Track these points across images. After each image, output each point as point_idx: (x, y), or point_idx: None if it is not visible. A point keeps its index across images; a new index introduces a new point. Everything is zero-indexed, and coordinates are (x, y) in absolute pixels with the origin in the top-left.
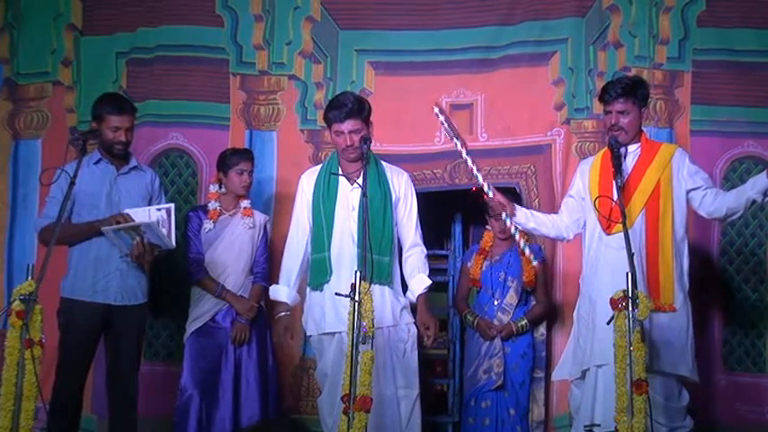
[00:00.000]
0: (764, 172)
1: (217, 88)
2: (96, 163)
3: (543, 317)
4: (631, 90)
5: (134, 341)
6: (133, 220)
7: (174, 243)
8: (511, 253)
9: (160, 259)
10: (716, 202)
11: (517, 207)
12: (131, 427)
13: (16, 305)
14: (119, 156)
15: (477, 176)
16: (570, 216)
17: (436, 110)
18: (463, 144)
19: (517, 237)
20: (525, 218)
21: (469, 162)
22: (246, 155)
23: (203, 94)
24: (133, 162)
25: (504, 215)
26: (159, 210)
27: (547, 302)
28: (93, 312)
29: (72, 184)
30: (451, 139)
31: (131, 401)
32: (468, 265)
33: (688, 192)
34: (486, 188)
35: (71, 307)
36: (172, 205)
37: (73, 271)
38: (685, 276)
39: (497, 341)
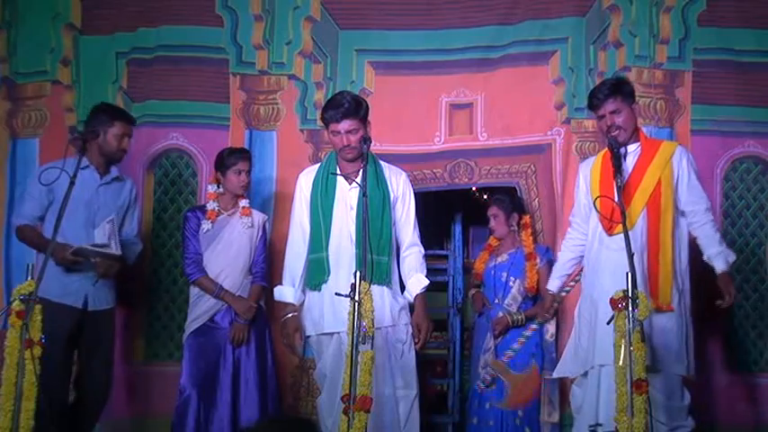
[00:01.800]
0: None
1: (217, 88)
2: (84, 169)
3: None
4: (616, 89)
5: (108, 344)
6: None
7: (118, 251)
8: (516, 254)
9: (162, 259)
10: (694, 230)
11: (549, 289)
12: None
13: (16, 305)
14: (113, 163)
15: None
16: (584, 226)
17: None
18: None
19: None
20: (560, 281)
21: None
22: (244, 154)
23: (203, 94)
24: (115, 172)
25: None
26: (108, 222)
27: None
28: (68, 314)
29: (72, 184)
30: None
31: (99, 404)
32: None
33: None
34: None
35: (44, 307)
36: (113, 216)
37: (45, 273)
38: (679, 276)
39: (489, 336)
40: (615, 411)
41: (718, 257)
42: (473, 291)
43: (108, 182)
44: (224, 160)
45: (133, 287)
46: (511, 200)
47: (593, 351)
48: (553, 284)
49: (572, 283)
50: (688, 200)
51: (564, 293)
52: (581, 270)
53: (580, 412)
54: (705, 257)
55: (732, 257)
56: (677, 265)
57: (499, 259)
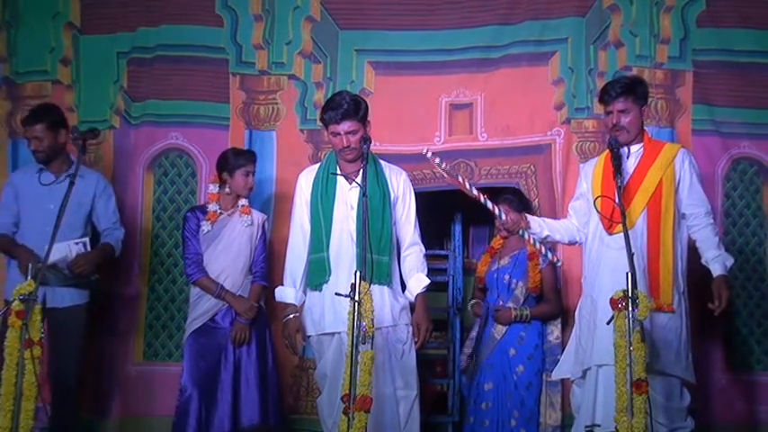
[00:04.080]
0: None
1: (216, 88)
2: (38, 172)
3: (549, 316)
4: (630, 89)
5: (72, 341)
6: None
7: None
8: (518, 255)
9: (161, 259)
10: (694, 233)
11: (529, 217)
12: (70, 417)
13: (16, 305)
14: (43, 162)
15: (486, 203)
16: (579, 219)
17: (429, 154)
18: (464, 180)
19: (537, 246)
20: (539, 227)
21: (474, 191)
22: (252, 156)
23: (203, 93)
24: (72, 169)
25: (521, 231)
26: (77, 244)
27: (556, 303)
28: None
29: (72, 183)
30: (452, 177)
31: (70, 394)
32: (476, 262)
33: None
34: (496, 212)
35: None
36: (86, 239)
37: (13, 273)
38: (680, 278)
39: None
40: (614, 411)
41: (716, 261)
42: (473, 301)
43: (62, 180)
44: (232, 161)
45: (132, 286)
46: (520, 200)
47: (592, 350)
48: (534, 218)
49: (542, 245)
50: (688, 203)
51: (528, 232)
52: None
53: (579, 412)
54: (703, 261)
55: (730, 261)
56: (678, 266)
57: (501, 262)
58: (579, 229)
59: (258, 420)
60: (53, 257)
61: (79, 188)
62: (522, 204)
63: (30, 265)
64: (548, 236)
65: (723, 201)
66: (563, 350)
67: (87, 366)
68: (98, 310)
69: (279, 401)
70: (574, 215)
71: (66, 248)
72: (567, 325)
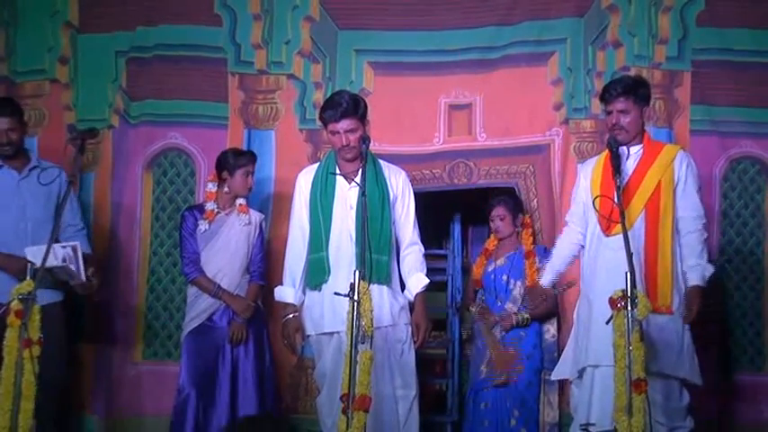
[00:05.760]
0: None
1: (215, 87)
2: None
3: (547, 315)
4: (632, 89)
5: (53, 340)
6: (33, 263)
7: (83, 278)
8: (515, 256)
9: (160, 259)
10: (681, 237)
11: (543, 280)
12: (50, 411)
13: (15, 305)
14: (10, 156)
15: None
16: (581, 225)
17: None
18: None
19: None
20: (552, 274)
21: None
22: (253, 156)
23: (202, 93)
24: (33, 162)
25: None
26: (64, 247)
27: (554, 301)
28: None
29: (70, 183)
30: None
31: (54, 391)
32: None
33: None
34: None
35: None
36: (77, 243)
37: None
38: (680, 279)
39: (497, 332)
40: (609, 410)
41: (695, 270)
42: (477, 306)
43: (27, 175)
44: (232, 160)
45: (131, 287)
46: (514, 201)
47: (587, 351)
48: (545, 279)
49: (565, 285)
50: (680, 205)
51: (557, 293)
52: (573, 279)
53: (576, 411)
54: (683, 267)
55: (709, 272)
56: (678, 267)
57: (498, 263)
58: (582, 233)
59: (254, 411)
60: (37, 260)
61: (47, 179)
62: (516, 205)
63: (29, 266)
64: (564, 271)
65: (721, 201)
66: (559, 348)
67: (86, 366)
68: (98, 309)
69: (276, 400)
70: (576, 221)
71: (52, 252)
72: (563, 323)
